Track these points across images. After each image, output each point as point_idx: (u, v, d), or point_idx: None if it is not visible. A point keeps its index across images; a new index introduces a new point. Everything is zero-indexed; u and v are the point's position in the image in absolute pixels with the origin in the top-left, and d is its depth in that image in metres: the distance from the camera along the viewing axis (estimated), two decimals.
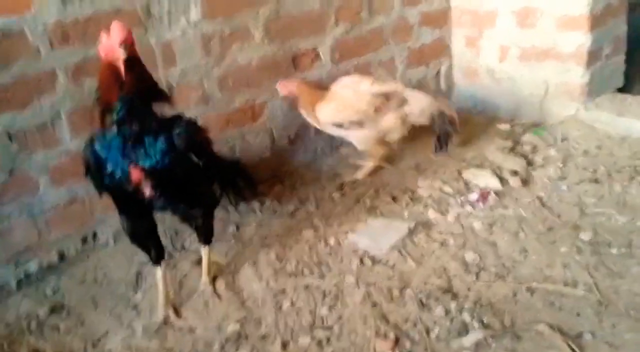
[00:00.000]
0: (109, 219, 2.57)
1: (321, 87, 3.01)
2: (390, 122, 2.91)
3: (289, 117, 3.10)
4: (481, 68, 3.63)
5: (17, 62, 2.22)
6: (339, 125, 2.91)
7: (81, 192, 2.50)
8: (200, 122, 2.08)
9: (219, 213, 2.79)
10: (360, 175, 3.07)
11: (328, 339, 2.01)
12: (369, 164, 3.08)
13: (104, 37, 1.83)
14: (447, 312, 2.06)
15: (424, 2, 3.52)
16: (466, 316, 2.03)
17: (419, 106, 2.94)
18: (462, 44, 3.68)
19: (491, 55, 3.56)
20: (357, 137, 2.97)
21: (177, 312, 2.25)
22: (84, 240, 2.59)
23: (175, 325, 2.20)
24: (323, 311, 2.14)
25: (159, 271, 2.26)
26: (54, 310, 2.33)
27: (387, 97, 2.91)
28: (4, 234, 2.36)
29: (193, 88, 2.72)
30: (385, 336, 1.98)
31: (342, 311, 2.13)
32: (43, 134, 2.36)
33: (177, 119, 1.98)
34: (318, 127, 2.99)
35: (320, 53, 3.12)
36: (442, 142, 3.02)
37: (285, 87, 2.93)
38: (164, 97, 1.95)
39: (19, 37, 2.20)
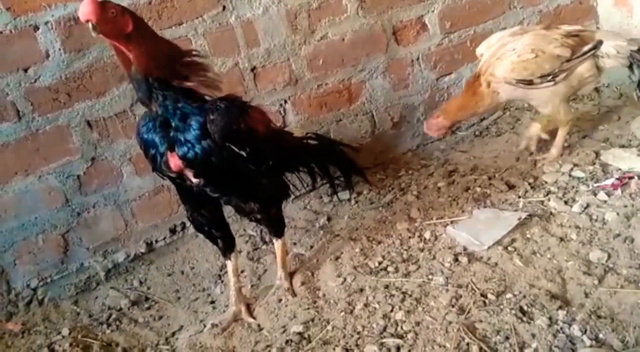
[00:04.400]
0: None
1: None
2: (588, 70, 2.34)
3: (391, 97, 2.77)
4: (635, 30, 2.98)
5: (91, 48, 2.19)
6: (526, 83, 2.32)
7: (167, 181, 2.43)
8: (249, 105, 1.87)
9: (312, 203, 2.63)
10: (556, 151, 2.51)
11: (398, 349, 1.69)
12: (559, 139, 2.51)
13: None
14: (552, 323, 1.64)
15: None
16: (576, 330, 1.60)
17: (615, 45, 2.33)
18: (609, 2, 3.07)
19: None
20: (545, 97, 2.37)
21: (249, 309, 2.07)
22: (172, 230, 2.52)
23: (245, 322, 2.03)
24: (399, 315, 1.81)
25: (229, 264, 2.10)
26: (136, 302, 2.29)
27: (580, 37, 2.34)
28: (91, 224, 2.36)
29: (279, 69, 2.52)
30: (467, 351, 1.61)
31: (421, 317, 1.79)
32: (123, 121, 2.31)
33: (219, 102, 1.74)
34: (485, 107, 2.43)
35: (427, 23, 2.75)
36: None
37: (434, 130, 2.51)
38: (194, 75, 1.69)
39: None
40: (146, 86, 1.64)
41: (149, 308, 2.26)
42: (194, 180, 1.78)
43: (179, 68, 1.66)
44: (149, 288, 2.37)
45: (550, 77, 2.31)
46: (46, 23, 2.10)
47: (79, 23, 2.12)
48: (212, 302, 2.22)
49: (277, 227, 2.09)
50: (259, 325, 1.99)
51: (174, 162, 1.73)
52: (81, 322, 2.22)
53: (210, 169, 1.75)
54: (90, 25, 1.53)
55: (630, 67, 2.37)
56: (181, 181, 1.82)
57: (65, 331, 2.15)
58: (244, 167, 1.82)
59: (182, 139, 1.70)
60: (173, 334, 2.10)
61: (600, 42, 2.33)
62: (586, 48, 2.32)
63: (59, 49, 2.14)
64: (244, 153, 1.77)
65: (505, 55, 2.33)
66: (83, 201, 2.32)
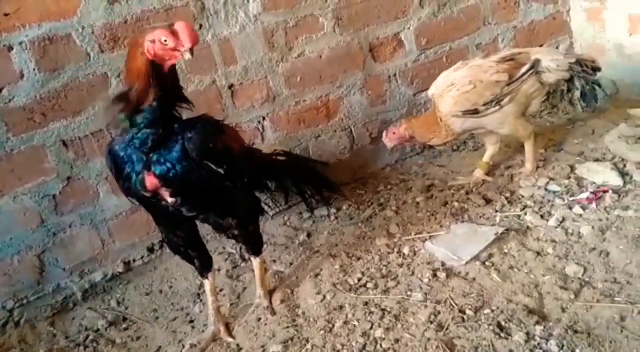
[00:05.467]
0: None
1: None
2: (530, 87, 2.41)
3: (369, 113, 2.79)
4: (608, 44, 3.05)
5: (66, 68, 2.17)
6: (472, 113, 2.40)
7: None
8: (223, 124, 1.88)
9: (292, 220, 2.62)
10: (530, 165, 2.56)
11: None
12: (529, 153, 2.56)
13: (160, 34, 1.60)
14: (529, 339, 1.65)
15: None
16: (553, 345, 1.61)
17: (553, 60, 2.41)
18: (582, 18, 3.13)
19: (619, 28, 2.97)
20: (497, 121, 2.44)
21: (228, 329, 2.06)
22: (150, 249, 2.50)
23: (224, 342, 2.01)
24: (378, 332, 1.81)
25: (207, 284, 2.08)
26: (114, 323, 2.26)
27: (515, 60, 2.43)
28: (67, 244, 2.33)
29: (257, 87, 2.52)
30: None
31: (400, 334, 1.79)
32: (99, 140, 2.29)
33: (196, 121, 1.76)
34: (442, 140, 2.50)
35: (403, 39, 2.78)
36: (589, 95, 2.45)
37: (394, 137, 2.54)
38: (186, 100, 1.74)
39: (66, 42, 2.15)
40: (165, 108, 1.67)
41: (127, 329, 2.23)
42: (170, 200, 1.77)
43: (177, 96, 1.72)
44: (127, 308, 2.34)
45: (495, 103, 2.39)
46: (20, 43, 2.08)
47: (54, 43, 2.14)
48: (191, 321, 2.19)
49: (254, 245, 2.09)
50: (238, 345, 1.98)
51: (150, 181, 1.72)
52: (58, 344, 2.18)
53: (188, 188, 1.75)
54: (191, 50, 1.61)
55: (572, 80, 2.46)
56: (156, 201, 1.81)
57: None
58: (221, 185, 1.82)
59: (162, 159, 1.70)
60: None
61: (537, 61, 2.40)
62: (524, 69, 2.40)
63: (34, 69, 2.12)
64: (221, 170, 1.77)
65: (445, 91, 2.42)
66: (59, 221, 2.29)
